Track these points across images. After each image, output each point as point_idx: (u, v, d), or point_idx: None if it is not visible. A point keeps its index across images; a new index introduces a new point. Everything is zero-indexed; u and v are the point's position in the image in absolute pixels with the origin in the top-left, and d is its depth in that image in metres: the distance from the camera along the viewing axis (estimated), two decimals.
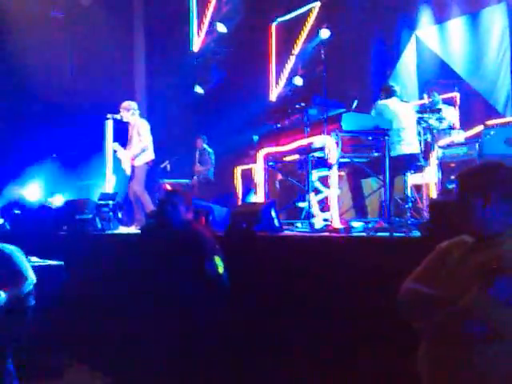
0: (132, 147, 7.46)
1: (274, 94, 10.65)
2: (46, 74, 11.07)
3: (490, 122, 6.40)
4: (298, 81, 10.10)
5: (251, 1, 10.55)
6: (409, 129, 5.93)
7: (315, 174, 5.90)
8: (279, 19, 10.57)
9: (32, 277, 4.40)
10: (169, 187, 9.32)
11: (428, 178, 6.16)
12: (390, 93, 6.15)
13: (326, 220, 5.54)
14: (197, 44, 11.30)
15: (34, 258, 5.31)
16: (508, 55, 8.21)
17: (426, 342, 2.17)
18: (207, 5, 11.17)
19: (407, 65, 9.61)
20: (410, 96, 8.50)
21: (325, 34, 8.86)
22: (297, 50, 10.42)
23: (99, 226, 6.89)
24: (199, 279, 3.86)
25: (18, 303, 4.28)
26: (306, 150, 5.66)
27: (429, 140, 6.41)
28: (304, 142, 5.66)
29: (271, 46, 10.69)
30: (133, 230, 7.06)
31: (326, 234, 4.84)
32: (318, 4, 9.97)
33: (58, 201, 9.71)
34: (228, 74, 11.02)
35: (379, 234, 4.40)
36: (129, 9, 12.49)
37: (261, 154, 6.08)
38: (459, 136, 6.67)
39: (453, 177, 5.41)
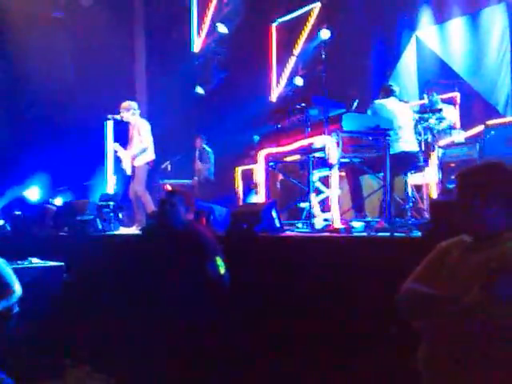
0: (133, 147, 7.45)
1: (274, 94, 10.64)
2: (46, 74, 11.08)
3: (490, 122, 6.39)
4: (299, 81, 10.10)
5: (252, 1, 10.55)
6: (406, 127, 5.96)
7: (316, 175, 5.91)
8: (280, 20, 10.57)
9: (18, 289, 4.39)
10: (169, 187, 9.32)
11: (428, 178, 6.16)
12: (388, 93, 6.17)
13: (326, 220, 5.55)
14: (197, 44, 11.31)
15: (34, 259, 5.32)
16: (508, 55, 8.21)
17: (426, 341, 2.17)
18: (208, 5, 11.18)
19: (407, 65, 9.61)
20: (410, 96, 8.51)
21: (325, 34, 8.86)
22: (297, 50, 10.41)
23: (100, 226, 6.89)
24: (200, 280, 3.86)
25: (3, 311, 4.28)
26: (307, 151, 5.67)
27: (429, 140, 6.40)
28: (305, 142, 5.66)
29: (272, 47, 10.68)
30: (133, 230, 7.07)
31: (327, 234, 4.85)
32: (318, 4, 9.97)
33: (58, 202, 9.71)
34: (228, 74, 11.03)
35: (380, 234, 4.41)
36: (129, 9, 12.50)
37: (261, 155, 6.09)
38: (459, 136, 6.68)
39: (453, 177, 5.41)
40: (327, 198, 5.65)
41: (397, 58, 9.72)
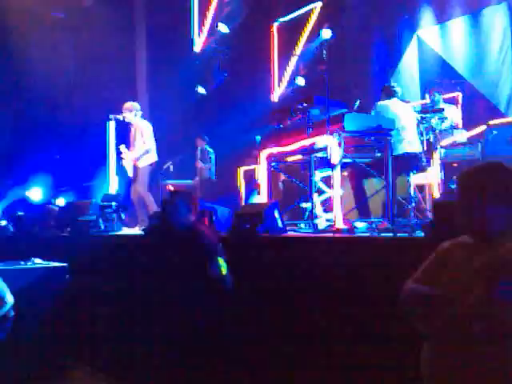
0: (135, 149, 7.46)
1: (276, 94, 10.63)
2: (47, 75, 11.08)
3: (492, 122, 6.39)
4: (300, 81, 10.09)
5: (253, 1, 10.55)
6: (409, 128, 5.97)
7: (318, 175, 5.90)
8: (281, 19, 10.55)
9: (10, 299, 4.36)
10: (171, 188, 9.32)
11: (431, 178, 6.16)
12: (390, 93, 6.16)
13: (329, 220, 5.55)
14: (198, 44, 11.30)
15: (37, 260, 5.32)
16: (510, 55, 8.19)
17: (429, 342, 2.18)
18: (209, 5, 11.18)
19: (409, 64, 9.60)
20: (412, 96, 8.51)
21: (326, 34, 8.83)
22: (298, 50, 10.40)
23: (102, 227, 6.89)
24: (202, 280, 3.86)
25: None
26: (309, 151, 5.66)
27: (431, 140, 6.40)
28: (306, 142, 5.65)
29: (273, 46, 10.66)
30: (136, 231, 7.07)
31: (330, 234, 4.85)
32: (319, 4, 9.97)
33: (60, 202, 9.71)
34: (230, 74, 11.02)
35: (382, 234, 4.41)
36: (130, 9, 12.49)
37: (263, 155, 6.08)
38: (462, 136, 6.67)
39: (455, 177, 5.41)
40: (329, 198, 5.64)
41: (398, 57, 9.71)
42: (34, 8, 11.32)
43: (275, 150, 6.09)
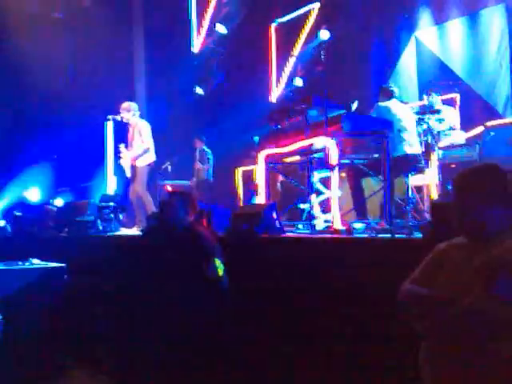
0: (134, 148, 7.45)
1: (274, 94, 10.64)
2: (46, 75, 11.05)
3: (490, 123, 6.41)
4: (298, 82, 10.10)
5: (251, 2, 10.55)
6: (409, 130, 5.96)
7: (316, 176, 5.91)
8: (279, 20, 10.56)
9: None
10: (170, 189, 9.32)
11: (429, 180, 6.17)
12: (388, 94, 6.15)
13: (327, 221, 5.55)
14: (197, 45, 11.31)
15: (35, 260, 5.32)
16: (507, 56, 8.22)
17: (427, 342, 2.18)
18: (207, 6, 11.18)
19: (407, 65, 9.61)
20: (410, 97, 8.52)
21: (324, 34, 8.86)
22: (296, 50, 10.41)
23: (100, 227, 6.90)
24: (199, 281, 3.87)
25: None
26: (307, 152, 5.67)
27: (429, 141, 6.41)
28: (305, 143, 5.65)
29: (271, 47, 10.67)
30: (134, 231, 7.07)
31: (328, 235, 4.86)
32: (317, 5, 9.98)
33: (59, 203, 9.70)
34: (228, 74, 11.02)
35: (380, 235, 4.42)
36: (129, 9, 12.48)
37: (261, 156, 6.08)
38: (459, 137, 6.68)
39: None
40: (328, 199, 5.65)
41: (396, 58, 9.73)
42: (34, 8, 11.31)
43: (273, 150, 6.09)
